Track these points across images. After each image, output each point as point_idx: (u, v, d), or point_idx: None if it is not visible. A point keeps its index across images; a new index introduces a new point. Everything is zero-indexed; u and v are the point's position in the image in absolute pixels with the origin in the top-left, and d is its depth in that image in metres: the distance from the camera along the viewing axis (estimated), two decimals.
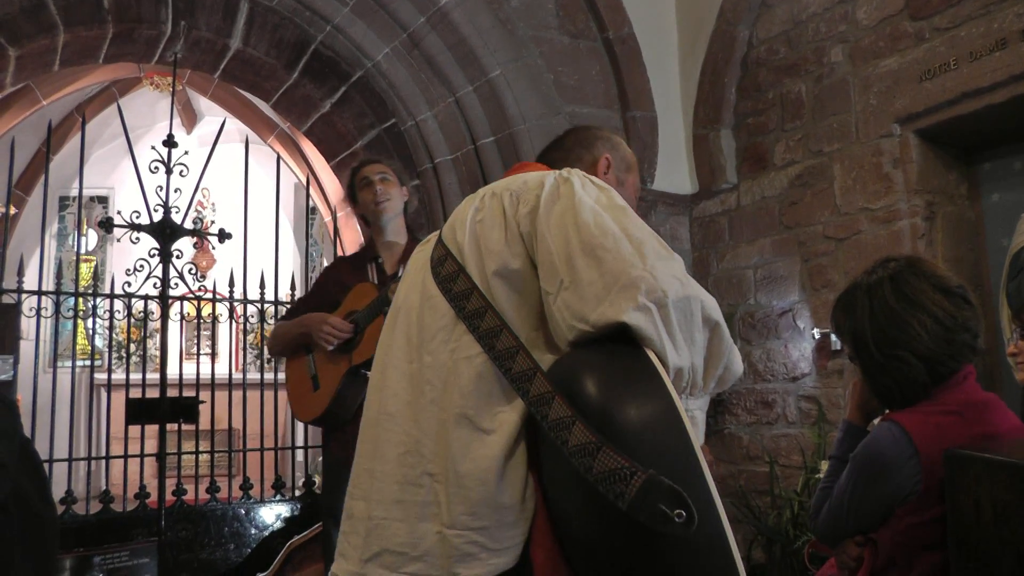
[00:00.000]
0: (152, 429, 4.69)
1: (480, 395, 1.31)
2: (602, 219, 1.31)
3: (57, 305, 4.55)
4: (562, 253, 1.28)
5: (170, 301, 4.62)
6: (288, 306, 4.24)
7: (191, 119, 9.29)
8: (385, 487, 1.36)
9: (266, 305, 5.29)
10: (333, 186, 6.29)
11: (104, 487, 4.74)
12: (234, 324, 5.48)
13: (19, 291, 4.40)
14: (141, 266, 4.60)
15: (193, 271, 4.91)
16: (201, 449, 5.60)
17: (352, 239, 6.21)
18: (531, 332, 1.34)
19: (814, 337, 4.27)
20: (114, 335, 5.37)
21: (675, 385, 1.17)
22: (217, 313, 5.29)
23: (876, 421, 1.92)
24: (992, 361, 3.69)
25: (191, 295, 5.01)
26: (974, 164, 3.96)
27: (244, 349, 7.10)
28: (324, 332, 3.01)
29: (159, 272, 4.57)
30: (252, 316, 5.40)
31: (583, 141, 1.79)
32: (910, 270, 1.84)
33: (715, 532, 1.08)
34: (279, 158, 6.12)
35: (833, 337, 4.13)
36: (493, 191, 1.46)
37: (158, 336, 6.31)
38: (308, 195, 5.92)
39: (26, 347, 4.68)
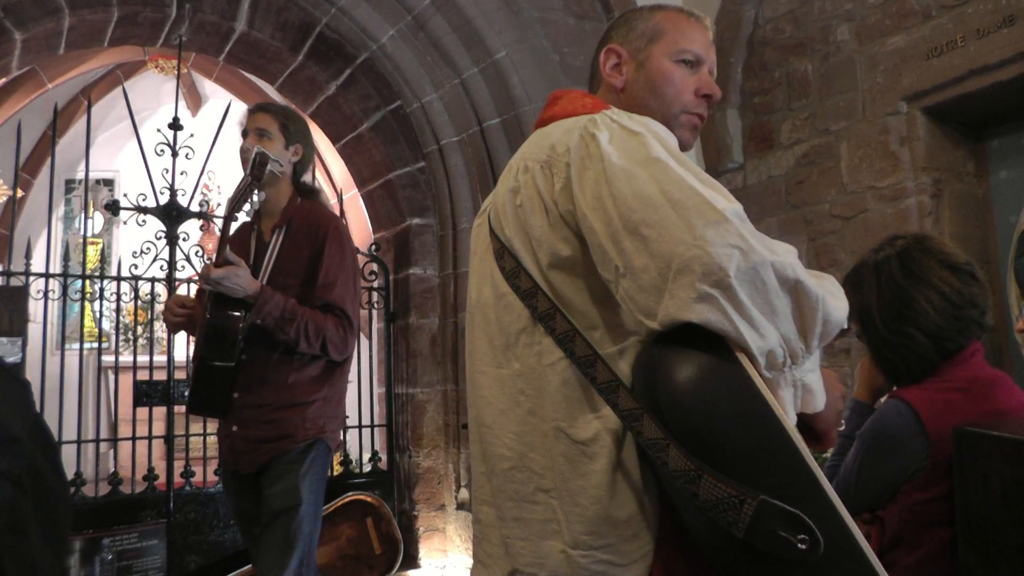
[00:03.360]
0: (160, 411, 4.71)
1: (571, 404, 1.20)
2: (639, 183, 1.12)
3: (64, 288, 4.56)
4: (606, 234, 1.13)
5: (176, 283, 4.63)
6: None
7: (196, 102, 9.27)
8: (503, 503, 1.28)
9: None
10: (339, 168, 6.29)
11: (113, 469, 4.77)
12: None
13: (27, 273, 4.41)
14: (148, 248, 4.61)
15: (200, 253, 4.92)
16: (209, 431, 5.61)
17: (359, 220, 6.21)
18: (611, 316, 1.21)
19: None
20: (121, 318, 5.39)
21: (771, 365, 1.04)
22: None
23: (883, 399, 1.93)
24: (1000, 338, 3.69)
25: (197, 277, 5.01)
26: (982, 141, 3.94)
27: None
28: (164, 314, 2.86)
29: (166, 254, 4.58)
30: None
31: (600, 43, 1.57)
32: (917, 247, 1.84)
33: (846, 542, 0.95)
34: None
35: None
36: (526, 164, 1.31)
37: None
38: (313, 177, 5.90)
39: (34, 330, 4.69)
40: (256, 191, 2.72)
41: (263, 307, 2.63)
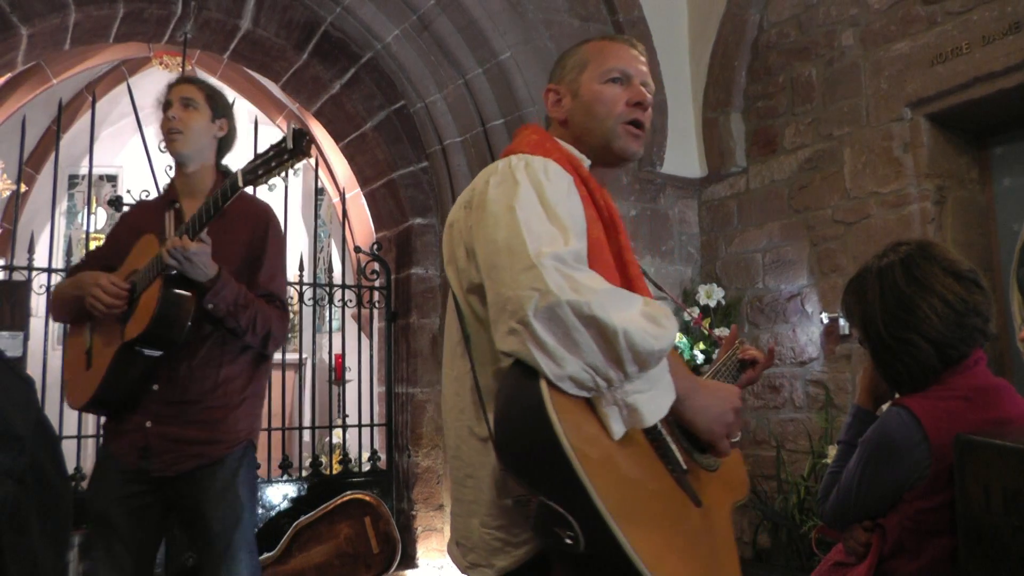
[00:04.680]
0: None
1: (476, 407, 1.42)
2: (497, 230, 1.30)
3: None
4: (483, 271, 1.33)
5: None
6: (290, 285, 4.06)
7: None
8: (452, 485, 1.51)
9: None
10: (342, 167, 6.29)
11: None
12: None
13: (29, 268, 4.41)
14: None
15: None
16: None
17: (361, 219, 6.21)
18: None
19: (822, 322, 4.27)
20: None
21: (583, 388, 1.20)
22: None
23: (885, 406, 1.92)
24: (1002, 347, 3.69)
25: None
26: (986, 148, 3.94)
27: None
28: (92, 296, 2.39)
29: None
30: None
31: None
32: (921, 253, 1.84)
33: (610, 544, 1.13)
34: None
35: (841, 322, 4.12)
36: (463, 200, 1.47)
37: None
38: (317, 176, 5.91)
39: (36, 324, 4.69)
40: (288, 170, 2.35)
41: (220, 291, 2.36)
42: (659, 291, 1.79)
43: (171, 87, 2.67)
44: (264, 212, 2.70)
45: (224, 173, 2.70)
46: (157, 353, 2.39)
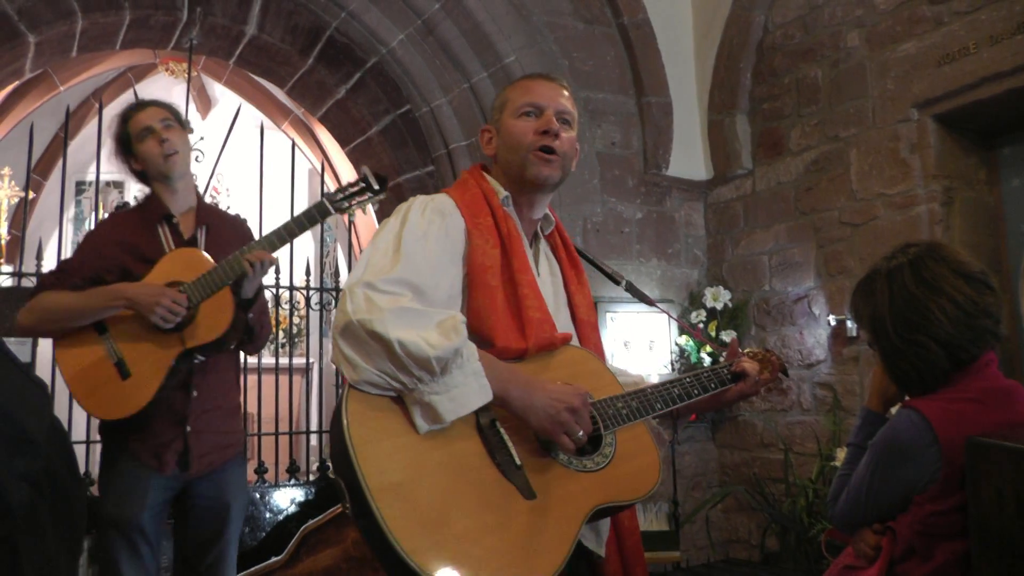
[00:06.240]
0: None
1: None
2: (365, 255, 1.61)
3: None
4: None
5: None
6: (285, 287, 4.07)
7: (206, 105, 9.30)
8: None
9: (281, 290, 5.31)
10: (347, 172, 6.30)
11: None
12: None
13: (38, 275, 4.42)
14: None
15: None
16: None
17: (367, 224, 6.22)
18: None
19: (830, 324, 4.26)
20: None
21: (384, 390, 1.46)
22: None
23: (895, 409, 1.92)
24: (1012, 348, 3.67)
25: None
26: (993, 149, 3.92)
27: None
28: (163, 309, 2.43)
29: None
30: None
31: None
32: (930, 255, 1.83)
33: (369, 518, 1.34)
34: (293, 144, 6.12)
35: (849, 324, 4.11)
36: None
37: None
38: (323, 181, 5.92)
39: None
40: (366, 206, 2.64)
41: (260, 296, 2.58)
42: (656, 302, 1.81)
43: (136, 115, 2.71)
44: (244, 226, 2.93)
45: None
46: (201, 359, 2.58)
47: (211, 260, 2.56)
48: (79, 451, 4.72)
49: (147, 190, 2.78)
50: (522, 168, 1.77)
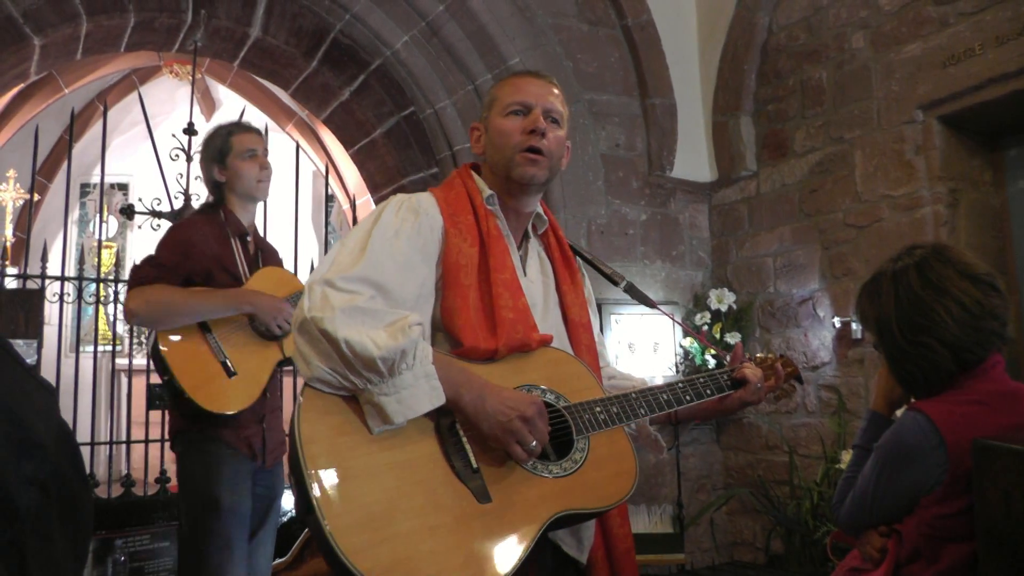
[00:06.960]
0: None
1: None
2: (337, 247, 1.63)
3: (79, 291, 4.58)
4: None
5: None
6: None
7: (210, 107, 9.32)
8: None
9: None
10: (352, 174, 6.30)
11: (125, 471, 4.79)
12: None
13: (42, 276, 4.44)
14: None
15: None
16: None
17: None
18: None
19: (834, 326, 4.25)
20: None
21: (336, 388, 1.46)
22: None
23: (900, 411, 1.91)
24: (1018, 350, 3.66)
25: None
26: (999, 150, 3.92)
27: None
28: (283, 319, 2.75)
29: None
30: None
31: None
32: (936, 257, 1.82)
33: (312, 515, 1.35)
34: (298, 146, 6.12)
35: (854, 326, 4.11)
36: None
37: None
38: (327, 183, 5.93)
39: (49, 332, 4.71)
40: None
41: None
42: (657, 304, 1.79)
43: (245, 134, 2.94)
44: (277, 253, 3.17)
45: None
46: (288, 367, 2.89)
47: (300, 280, 2.92)
48: (84, 453, 4.74)
49: (209, 198, 2.99)
50: (508, 168, 1.75)
